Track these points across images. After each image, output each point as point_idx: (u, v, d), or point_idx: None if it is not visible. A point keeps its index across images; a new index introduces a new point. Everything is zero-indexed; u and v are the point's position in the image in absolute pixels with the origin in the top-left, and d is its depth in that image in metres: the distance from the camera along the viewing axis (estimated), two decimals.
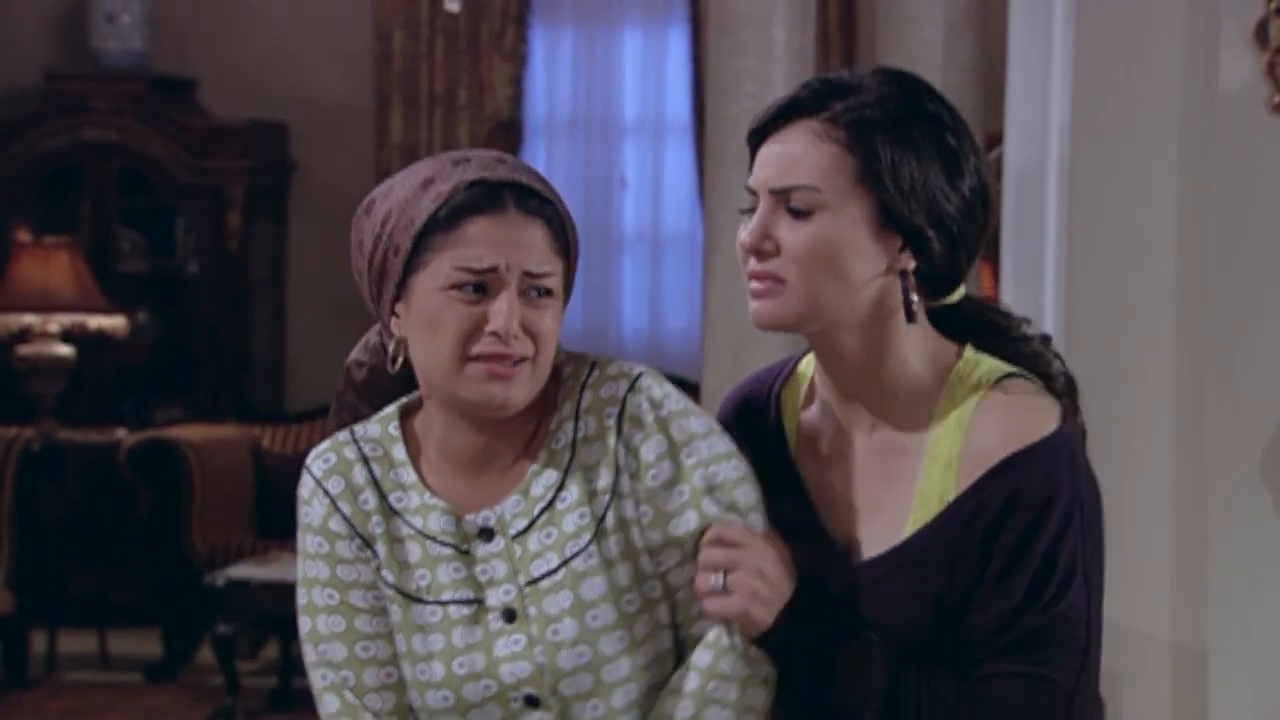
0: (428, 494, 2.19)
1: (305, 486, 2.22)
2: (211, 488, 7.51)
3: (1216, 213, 3.97)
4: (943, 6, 5.29)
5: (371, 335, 2.30)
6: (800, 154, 2.09)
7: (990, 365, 2.15)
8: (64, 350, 7.89)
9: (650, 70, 8.61)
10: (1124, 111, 4.07)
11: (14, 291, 7.83)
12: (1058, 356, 2.19)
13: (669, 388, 2.21)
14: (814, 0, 5.33)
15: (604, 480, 2.17)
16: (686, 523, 2.16)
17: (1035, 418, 2.10)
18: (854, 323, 2.11)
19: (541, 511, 2.17)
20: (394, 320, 2.18)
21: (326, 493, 2.20)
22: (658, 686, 2.17)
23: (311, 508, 2.21)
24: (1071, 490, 2.08)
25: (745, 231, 2.12)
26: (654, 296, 8.65)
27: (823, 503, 2.17)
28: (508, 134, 8.50)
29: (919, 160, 2.08)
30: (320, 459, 2.22)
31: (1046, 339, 2.20)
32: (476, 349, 2.13)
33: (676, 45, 8.53)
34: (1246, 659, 3.83)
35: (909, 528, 2.11)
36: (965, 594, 2.08)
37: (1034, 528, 2.06)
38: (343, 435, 2.24)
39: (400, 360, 2.19)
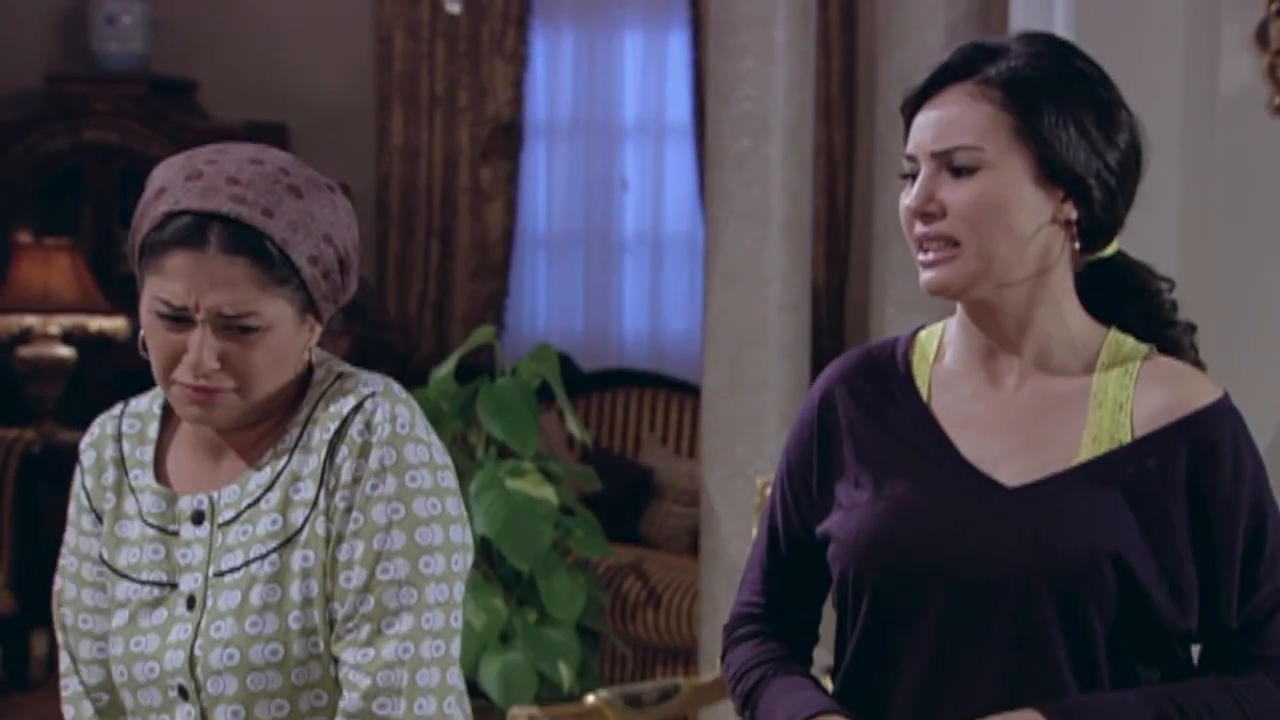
0: (150, 473, 2.22)
1: (80, 454, 2.28)
2: None
3: (1218, 214, 3.97)
4: (944, 9, 5.28)
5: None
6: (958, 115, 2.13)
7: (1135, 340, 2.20)
8: (65, 352, 7.89)
9: (651, 72, 8.60)
10: None
11: (15, 293, 7.83)
12: (1194, 346, 2.26)
13: (399, 410, 2.16)
14: (814, 2, 5.32)
15: (307, 492, 2.16)
16: (349, 550, 2.13)
17: (1204, 383, 2.17)
18: (1020, 277, 2.14)
19: (248, 506, 2.18)
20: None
21: (80, 464, 2.27)
22: (316, 710, 2.14)
23: (76, 475, 2.28)
24: (1253, 451, 2.16)
25: (910, 197, 2.15)
26: (654, 299, 8.64)
27: (964, 441, 2.17)
28: (508, 136, 8.50)
29: (1073, 113, 2.13)
30: (89, 431, 2.28)
31: (1192, 327, 2.26)
32: (174, 375, 2.15)
33: (677, 47, 8.52)
34: None
35: (1080, 458, 2.12)
36: (1176, 552, 2.09)
37: (1235, 484, 2.11)
38: (117, 408, 2.29)
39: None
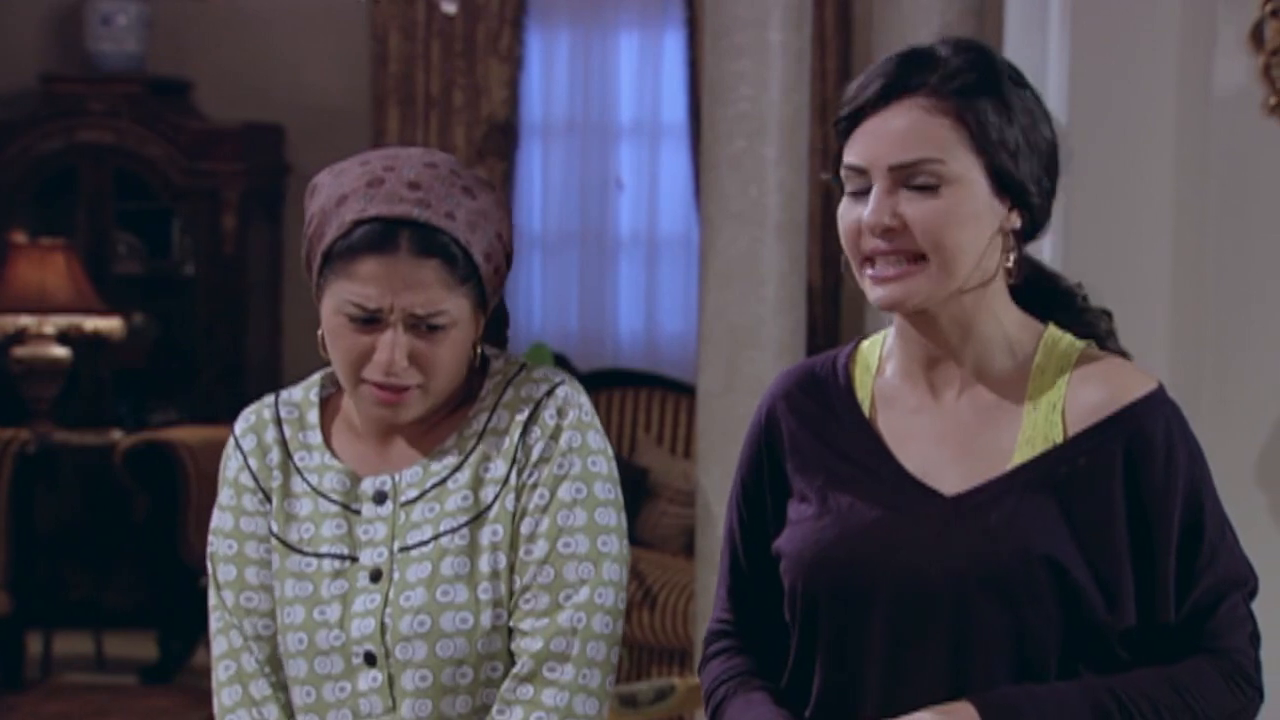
0: (328, 455, 2.33)
1: (229, 443, 2.38)
2: (207, 490, 7.49)
3: (1213, 214, 3.98)
4: (939, 10, 5.28)
5: None
6: (916, 128, 2.11)
7: (1069, 335, 2.21)
8: (60, 352, 7.88)
9: (646, 73, 8.60)
10: (1120, 114, 4.08)
11: (10, 293, 7.83)
12: (1112, 332, 2.28)
13: (583, 400, 2.34)
14: (810, 3, 5.32)
15: (498, 470, 2.29)
16: (533, 524, 2.27)
17: (1136, 376, 2.17)
18: (970, 286, 2.15)
19: (433, 486, 2.29)
20: (321, 304, 2.30)
21: (240, 449, 2.36)
22: (490, 682, 2.26)
23: (229, 463, 2.37)
24: (1189, 441, 2.14)
25: (868, 211, 2.12)
26: (649, 299, 8.65)
27: (906, 454, 2.17)
28: (504, 136, 8.50)
29: (1013, 118, 2.13)
30: (243, 419, 2.39)
31: (1108, 314, 2.28)
32: (365, 375, 2.26)
33: (672, 48, 8.52)
34: None
35: (1015, 461, 2.13)
36: (1110, 550, 2.10)
37: (1168, 476, 2.11)
38: (268, 398, 2.40)
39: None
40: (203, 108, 8.67)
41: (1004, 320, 2.19)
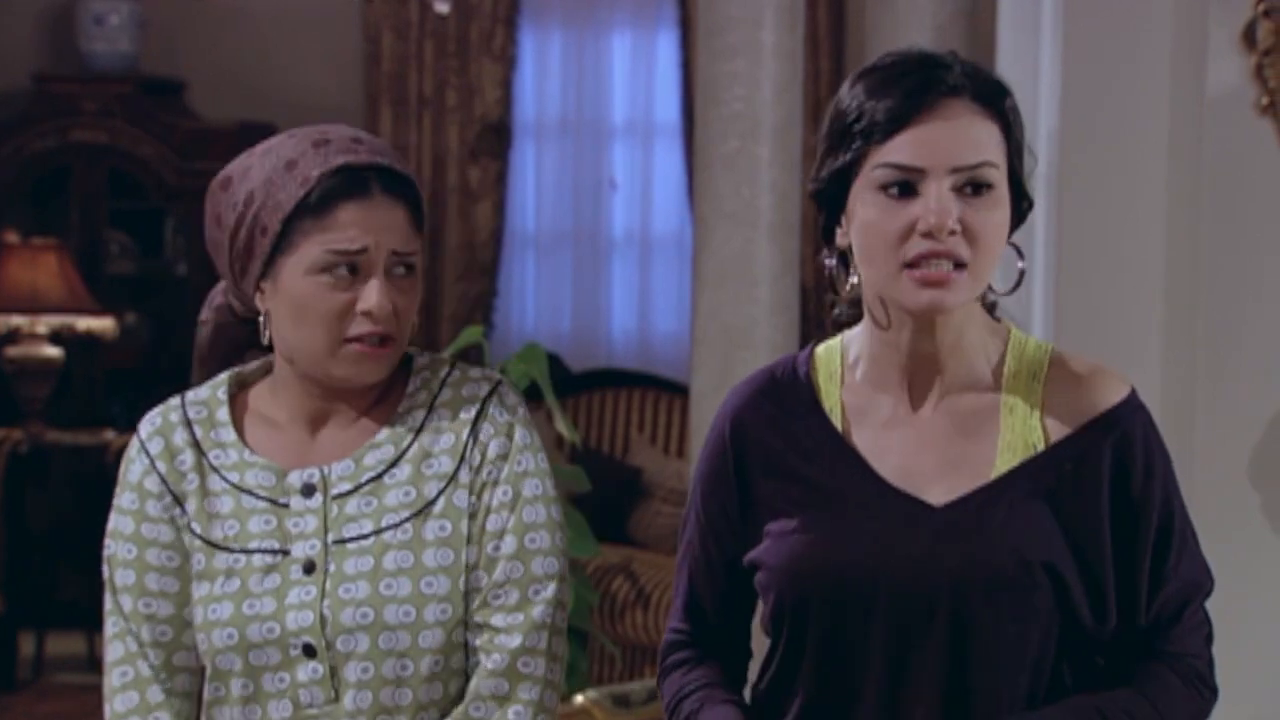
0: (247, 452, 2.31)
1: (132, 447, 2.35)
2: None
3: (1206, 215, 3.98)
4: (931, 11, 5.28)
5: (215, 294, 2.43)
6: (974, 131, 2.10)
7: (1037, 340, 2.22)
8: (52, 352, 7.88)
9: (639, 73, 8.60)
10: (1113, 114, 4.08)
11: (2, 293, 7.82)
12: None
13: (520, 399, 2.36)
14: (803, 4, 5.32)
15: (443, 466, 2.29)
16: (499, 520, 2.29)
17: (1112, 380, 2.17)
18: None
19: (368, 480, 2.29)
20: (258, 295, 2.29)
21: (147, 452, 2.33)
22: (441, 675, 2.27)
23: (133, 466, 2.34)
24: (1162, 445, 2.17)
25: (931, 213, 2.07)
26: (643, 299, 8.65)
27: (885, 466, 2.16)
28: (497, 136, 8.50)
29: (1020, 123, 2.15)
30: (148, 422, 2.36)
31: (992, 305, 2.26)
32: (350, 331, 2.24)
33: (665, 48, 8.52)
34: (1237, 663, 3.83)
35: (997, 471, 2.13)
36: (1099, 554, 2.11)
37: (1148, 479, 2.13)
38: (174, 400, 2.37)
39: (269, 333, 2.30)
40: (196, 107, 8.66)
41: (980, 325, 2.19)
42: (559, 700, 2.33)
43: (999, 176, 2.11)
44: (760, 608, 2.24)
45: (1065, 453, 2.12)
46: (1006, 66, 4.38)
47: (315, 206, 2.22)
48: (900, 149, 2.09)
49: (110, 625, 2.34)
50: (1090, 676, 2.16)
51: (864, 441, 2.18)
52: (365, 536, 2.27)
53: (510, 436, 2.31)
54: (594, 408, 7.71)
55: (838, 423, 2.19)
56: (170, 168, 8.36)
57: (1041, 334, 4.14)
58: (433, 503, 2.28)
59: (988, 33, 4.81)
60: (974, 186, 2.09)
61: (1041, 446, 2.13)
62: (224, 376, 2.37)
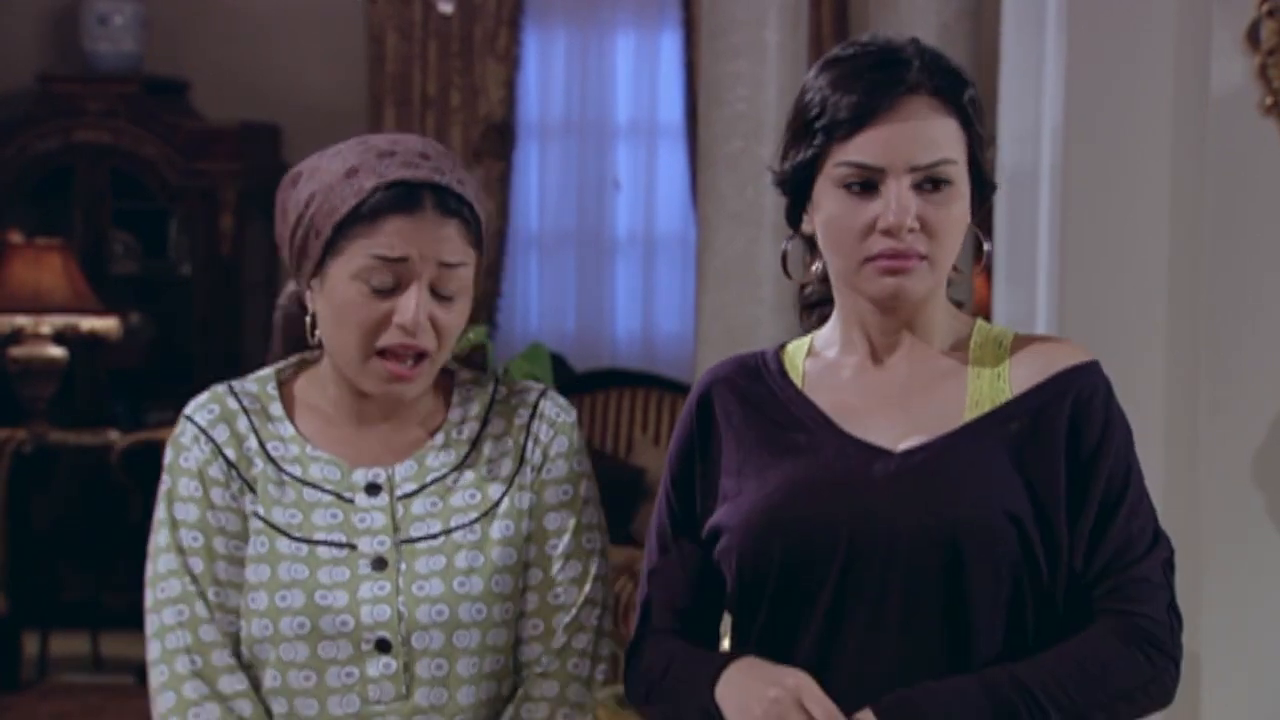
0: (309, 446, 2.32)
1: (186, 434, 2.34)
2: None
3: (1209, 215, 3.98)
4: (935, 10, 5.28)
5: (290, 281, 2.51)
6: (933, 129, 2.15)
7: (1004, 327, 2.28)
8: (56, 352, 7.88)
9: (643, 73, 8.60)
10: (1117, 114, 4.08)
11: (6, 293, 7.82)
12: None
13: (569, 404, 2.40)
14: (806, 3, 5.33)
15: (505, 470, 2.33)
16: (559, 519, 2.33)
17: (1075, 348, 2.23)
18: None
19: (433, 482, 2.31)
20: (309, 294, 2.31)
21: (211, 439, 2.32)
22: (498, 674, 2.30)
23: (191, 453, 2.33)
24: (1121, 411, 2.20)
25: (891, 212, 2.13)
26: (646, 299, 8.65)
27: (849, 421, 2.20)
28: (500, 136, 8.50)
29: (981, 115, 2.20)
30: (204, 409, 2.34)
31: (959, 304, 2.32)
32: (382, 342, 2.26)
33: (669, 48, 8.53)
34: (1239, 663, 3.83)
35: (967, 418, 2.17)
36: (1055, 504, 2.14)
37: (1104, 434, 2.16)
38: (220, 389, 2.37)
39: (317, 331, 2.31)
40: (199, 108, 8.67)
41: (945, 310, 2.25)
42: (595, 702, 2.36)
43: (957, 171, 2.15)
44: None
45: (1027, 403, 2.16)
46: (1010, 66, 4.38)
47: (365, 216, 2.25)
48: (860, 148, 2.14)
49: (174, 614, 2.27)
50: (1052, 631, 2.15)
51: (826, 398, 2.23)
52: (434, 536, 2.29)
53: (569, 436, 2.35)
54: (598, 408, 7.72)
55: (799, 383, 2.25)
56: (174, 168, 8.36)
57: (1045, 333, 4.14)
58: (497, 504, 2.31)
59: (991, 32, 4.80)
60: (933, 183, 2.14)
61: (1005, 399, 2.18)
62: (267, 372, 2.39)
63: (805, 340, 2.31)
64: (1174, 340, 4.00)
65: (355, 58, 8.64)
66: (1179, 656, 2.18)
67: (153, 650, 2.29)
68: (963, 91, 2.17)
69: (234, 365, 8.49)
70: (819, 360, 2.26)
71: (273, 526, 2.29)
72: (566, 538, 2.34)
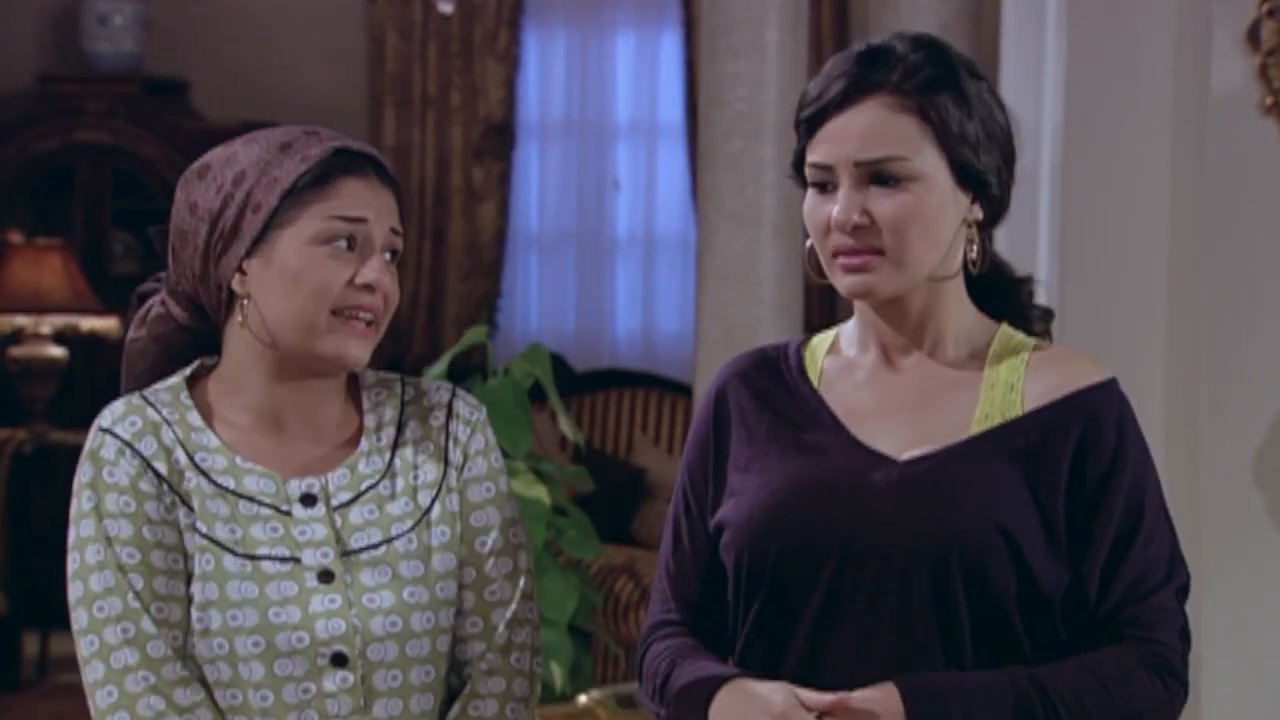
0: (239, 457, 2.27)
1: (108, 448, 2.26)
2: None
3: (1209, 215, 3.98)
4: (935, 10, 5.28)
5: (148, 309, 2.41)
6: (880, 126, 2.16)
7: (1025, 335, 2.26)
8: (56, 352, 7.88)
9: (643, 73, 8.60)
10: (1117, 114, 4.08)
11: (6, 293, 7.82)
12: (1048, 334, 2.31)
13: (476, 400, 2.40)
14: (806, 4, 5.32)
15: (431, 475, 2.32)
16: (485, 517, 2.32)
17: (1093, 365, 2.22)
18: (934, 276, 2.20)
19: (367, 490, 2.29)
20: (238, 277, 2.27)
21: (138, 453, 2.26)
22: (444, 677, 2.30)
23: (118, 467, 2.25)
24: (1138, 433, 2.19)
25: (837, 209, 2.16)
26: (646, 299, 8.65)
27: (856, 422, 2.21)
28: (501, 136, 8.50)
29: (973, 111, 2.18)
30: (124, 422, 2.28)
31: (1050, 314, 2.31)
32: (346, 303, 2.24)
33: (669, 48, 8.53)
34: (1240, 663, 3.83)
35: (974, 431, 2.17)
36: (1053, 521, 2.13)
37: (1116, 459, 2.15)
38: (135, 400, 2.30)
39: (243, 317, 2.26)
40: (200, 108, 8.67)
41: (964, 310, 2.24)
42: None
43: (912, 168, 2.15)
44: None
45: (1036, 421, 2.16)
46: (1010, 66, 4.38)
47: (317, 180, 2.24)
48: (817, 147, 2.19)
49: (117, 632, 2.21)
50: (1051, 649, 2.16)
51: (839, 399, 2.23)
52: (376, 546, 2.28)
53: (484, 433, 2.35)
54: (597, 408, 7.71)
55: (815, 382, 2.26)
56: (174, 168, 8.36)
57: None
58: (429, 510, 2.31)
59: (991, 32, 4.80)
60: (882, 179, 2.15)
61: (1017, 414, 2.17)
62: (174, 380, 2.32)
63: (831, 334, 2.31)
64: (1174, 340, 4.00)
65: (355, 58, 8.64)
66: (1187, 681, 2.19)
67: (95, 671, 2.22)
68: (937, 90, 2.16)
69: None
70: (838, 359, 2.27)
71: (216, 543, 2.24)
72: (494, 534, 2.33)
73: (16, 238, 7.93)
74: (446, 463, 2.33)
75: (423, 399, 2.36)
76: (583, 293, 8.66)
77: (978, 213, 2.20)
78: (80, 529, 2.25)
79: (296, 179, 2.24)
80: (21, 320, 7.79)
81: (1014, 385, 2.18)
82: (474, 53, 8.50)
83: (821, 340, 2.31)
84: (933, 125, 2.15)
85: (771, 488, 2.19)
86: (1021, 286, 2.30)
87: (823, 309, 8.14)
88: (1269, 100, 3.99)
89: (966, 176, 2.18)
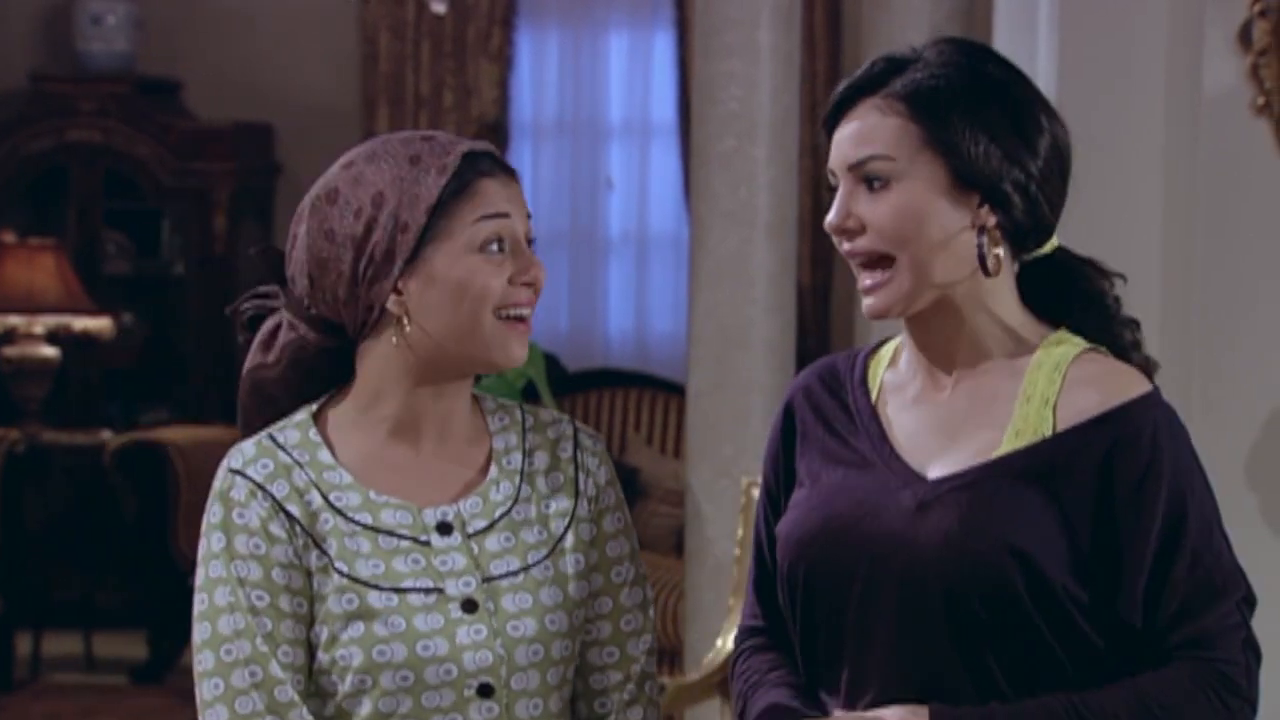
0: (373, 492, 2.26)
1: (239, 489, 2.24)
2: (197, 490, 7.48)
3: (1202, 215, 3.98)
4: (928, 11, 5.29)
5: (278, 334, 2.34)
6: (869, 127, 2.17)
7: (1078, 338, 2.21)
8: (49, 352, 7.88)
9: (636, 73, 8.61)
10: (1109, 114, 4.08)
11: None
12: (1138, 342, 2.25)
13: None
14: (799, 4, 5.33)
15: (562, 505, 2.32)
16: (618, 547, 2.34)
17: (1131, 379, 2.17)
18: (954, 280, 2.17)
19: (500, 516, 2.28)
20: (394, 298, 2.23)
21: (270, 495, 2.23)
22: (570, 704, 2.31)
23: (249, 509, 2.23)
24: (1177, 446, 2.14)
25: (830, 212, 2.19)
26: (639, 299, 8.65)
27: (903, 440, 2.21)
28: (494, 136, 8.49)
29: (983, 120, 2.15)
30: (256, 464, 2.25)
31: (1135, 323, 2.25)
32: (508, 302, 2.24)
33: (662, 48, 8.53)
34: None
35: (1001, 452, 2.14)
36: (1082, 544, 2.10)
37: (1149, 476, 2.11)
38: (265, 442, 2.28)
39: (408, 332, 2.24)
40: (192, 107, 8.66)
41: (1004, 315, 2.20)
42: None
43: (896, 168, 2.15)
44: None
45: (1065, 442, 2.13)
46: None
47: (462, 190, 2.23)
48: (830, 153, 2.21)
49: (246, 675, 2.19)
50: (1094, 673, 2.13)
51: (892, 414, 2.23)
52: (515, 573, 2.27)
53: (609, 464, 2.36)
54: (591, 407, 7.72)
55: (874, 395, 2.25)
56: (167, 168, 8.36)
57: None
58: (562, 538, 2.31)
59: (984, 33, 4.81)
60: (870, 180, 2.16)
61: (1049, 434, 2.14)
62: (301, 417, 2.30)
63: (894, 343, 2.30)
64: (1166, 341, 4.01)
65: (348, 57, 8.64)
66: (1254, 695, 2.14)
67: (218, 715, 2.19)
68: (932, 91, 2.15)
69: (227, 365, 8.49)
70: (896, 374, 2.26)
71: (359, 581, 2.22)
72: (627, 564, 2.34)
73: (9, 237, 7.93)
74: (578, 493, 2.33)
75: (545, 429, 2.36)
76: (576, 292, 8.66)
77: (989, 217, 2.16)
78: (210, 570, 2.22)
79: (440, 193, 2.22)
80: (14, 320, 7.79)
81: (1049, 400, 2.15)
82: (467, 52, 8.51)
83: (888, 348, 2.30)
84: (922, 126, 2.15)
85: (811, 504, 2.21)
86: (1100, 300, 2.25)
87: (815, 309, 8.15)
88: (1261, 100, 3.99)
89: (967, 180, 2.15)
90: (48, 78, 8.52)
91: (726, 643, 4.17)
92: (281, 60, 8.64)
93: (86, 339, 7.98)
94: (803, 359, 5.48)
